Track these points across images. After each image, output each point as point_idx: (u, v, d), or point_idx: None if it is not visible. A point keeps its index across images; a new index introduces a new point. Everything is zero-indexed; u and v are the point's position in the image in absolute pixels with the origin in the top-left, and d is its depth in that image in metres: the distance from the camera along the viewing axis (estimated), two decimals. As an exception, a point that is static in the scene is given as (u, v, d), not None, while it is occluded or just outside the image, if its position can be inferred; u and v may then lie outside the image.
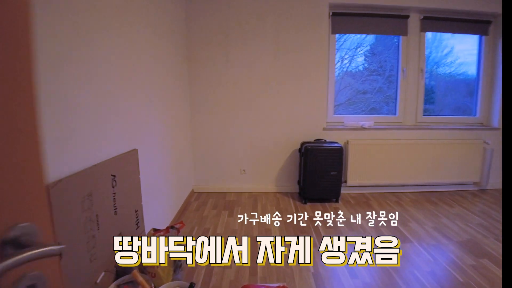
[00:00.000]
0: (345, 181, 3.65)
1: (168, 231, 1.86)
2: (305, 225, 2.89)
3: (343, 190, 3.67)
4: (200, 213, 3.19)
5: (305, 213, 3.16)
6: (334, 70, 3.71)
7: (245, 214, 3.13)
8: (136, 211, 2.04)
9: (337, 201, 3.46)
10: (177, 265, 1.76)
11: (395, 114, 3.91)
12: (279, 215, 3.08)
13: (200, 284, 2.05)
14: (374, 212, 3.15)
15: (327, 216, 3.06)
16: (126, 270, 1.89)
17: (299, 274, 2.12)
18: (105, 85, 1.74)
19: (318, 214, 3.11)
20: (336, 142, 3.44)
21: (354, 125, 3.67)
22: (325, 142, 3.45)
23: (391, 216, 2.96)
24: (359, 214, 3.07)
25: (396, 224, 2.86)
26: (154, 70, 2.59)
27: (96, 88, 1.64)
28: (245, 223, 2.94)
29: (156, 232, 1.80)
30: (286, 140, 3.71)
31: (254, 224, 2.91)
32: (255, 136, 3.69)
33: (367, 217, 3.02)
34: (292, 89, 3.61)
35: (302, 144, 3.49)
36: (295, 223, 2.92)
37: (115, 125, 1.85)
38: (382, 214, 3.00)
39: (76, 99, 1.46)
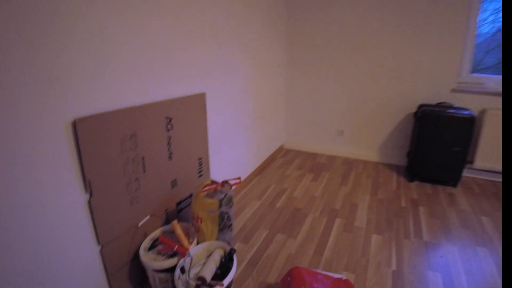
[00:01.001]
0: (471, 162, 2.74)
1: (223, 185, 1.67)
2: (404, 206, 2.30)
3: (466, 173, 2.79)
4: (283, 171, 2.94)
5: (409, 193, 2.53)
6: (475, 21, 2.61)
7: (332, 182, 2.72)
8: (199, 159, 1.91)
9: (454, 185, 2.65)
10: (225, 225, 1.57)
11: None
12: (374, 190, 2.56)
13: (255, 249, 1.84)
14: None
15: (437, 202, 2.38)
16: (179, 217, 1.83)
17: (375, 269, 1.68)
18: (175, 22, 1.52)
19: (425, 197, 2.45)
20: (466, 109, 2.53)
21: (498, 89, 2.62)
22: (452, 107, 2.58)
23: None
24: (482, 208, 2.27)
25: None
26: (246, 15, 2.28)
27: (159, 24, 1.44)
28: (328, 191, 2.54)
29: (209, 184, 1.63)
30: (399, 100, 2.96)
31: (339, 195, 2.49)
32: (360, 93, 3.07)
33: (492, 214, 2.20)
34: (411, 37, 2.75)
35: (420, 107, 2.71)
36: (391, 203, 2.37)
37: (177, 65, 1.67)
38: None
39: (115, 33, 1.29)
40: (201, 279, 1.29)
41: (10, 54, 0.94)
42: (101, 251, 1.37)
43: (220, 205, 1.51)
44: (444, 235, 1.95)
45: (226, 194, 1.54)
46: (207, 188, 1.61)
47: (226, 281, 1.29)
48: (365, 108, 3.10)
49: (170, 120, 1.63)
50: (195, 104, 1.83)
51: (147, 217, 1.59)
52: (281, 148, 3.53)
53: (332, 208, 2.27)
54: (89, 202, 1.28)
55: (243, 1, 2.28)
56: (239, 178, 1.68)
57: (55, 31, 1.06)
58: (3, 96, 0.94)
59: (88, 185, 1.25)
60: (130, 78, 1.39)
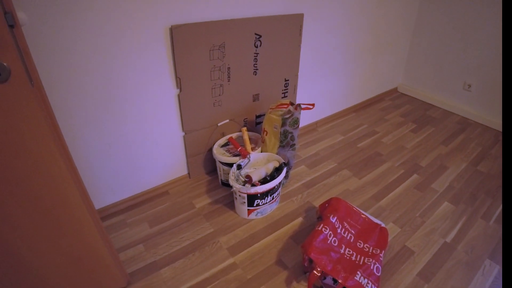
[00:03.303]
0: None
1: (296, 108, 1.77)
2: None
3: None
4: (383, 115, 2.75)
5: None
6: None
7: (433, 138, 2.42)
8: (286, 80, 2.01)
9: None
10: (287, 143, 1.72)
11: None
12: (476, 160, 2.19)
13: (316, 175, 1.95)
14: None
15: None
16: (256, 128, 2.04)
17: (427, 232, 1.58)
18: None
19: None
20: None
21: None
22: None
23: None
24: None
25: None
26: None
27: None
28: (421, 146, 2.31)
29: (283, 103, 1.75)
30: None
31: (432, 153, 2.25)
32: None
33: None
34: None
35: None
36: (489, 179, 2.01)
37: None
38: None
39: None
40: (248, 177, 1.52)
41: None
42: (183, 137, 1.73)
43: (284, 124, 1.63)
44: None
45: (292, 115, 1.64)
46: (280, 106, 1.73)
47: (266, 186, 1.49)
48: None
49: (260, 37, 1.74)
50: (290, 24, 1.85)
51: (227, 120, 1.86)
52: (394, 90, 3.22)
53: (416, 163, 2.10)
54: (178, 96, 1.59)
55: None
56: (312, 104, 1.72)
57: None
58: (118, 3, 1.22)
59: (178, 82, 1.55)
60: (225, -9, 1.51)
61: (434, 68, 2.88)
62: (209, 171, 1.95)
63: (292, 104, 1.81)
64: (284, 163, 1.62)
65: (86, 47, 1.22)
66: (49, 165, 0.84)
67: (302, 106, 1.74)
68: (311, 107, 1.72)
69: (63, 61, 1.19)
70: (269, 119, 1.66)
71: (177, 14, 1.40)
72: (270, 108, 1.71)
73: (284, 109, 1.70)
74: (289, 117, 1.63)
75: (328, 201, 1.51)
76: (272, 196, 1.58)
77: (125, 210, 1.68)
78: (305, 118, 2.38)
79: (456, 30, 2.63)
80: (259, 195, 1.51)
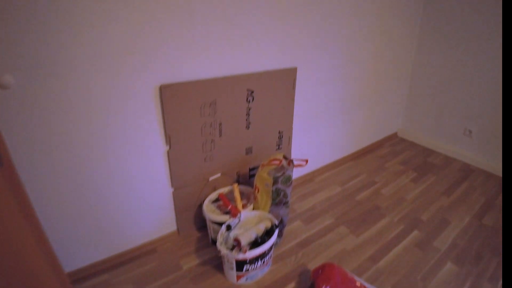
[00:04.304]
0: None
1: (289, 163, 1.72)
2: None
3: None
4: (382, 163, 2.70)
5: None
6: None
7: (434, 188, 2.35)
8: (280, 132, 1.99)
9: None
10: (280, 200, 1.65)
11: None
12: (481, 212, 2.09)
13: (311, 232, 1.87)
14: None
15: None
16: (250, 181, 1.99)
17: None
18: None
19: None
20: None
21: None
22: None
23: None
24: None
25: None
26: None
27: None
28: (422, 198, 2.23)
29: (276, 159, 1.71)
30: None
31: (433, 205, 2.16)
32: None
33: None
34: None
35: None
36: (495, 235, 1.90)
37: (268, 38, 1.71)
38: None
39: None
40: (237, 241, 1.44)
41: (113, 31, 1.21)
42: (172, 193, 1.68)
43: (276, 182, 1.58)
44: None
45: (284, 173, 1.59)
46: (272, 161, 1.69)
47: (255, 252, 1.41)
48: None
49: (252, 92, 1.74)
50: (283, 79, 1.86)
51: (218, 174, 1.82)
52: (394, 136, 3.19)
53: (416, 218, 2.01)
54: (168, 152, 1.56)
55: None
56: (306, 160, 1.68)
57: (149, 7, 1.27)
58: (108, 64, 1.23)
59: (168, 139, 1.53)
60: (216, 51, 1.53)
61: (434, 113, 2.87)
62: (200, 227, 1.87)
63: (285, 158, 1.77)
64: (275, 224, 1.55)
65: (72, 106, 1.21)
66: (17, 244, 0.79)
67: (295, 162, 1.69)
68: (304, 164, 1.68)
69: (45, 115, 1.18)
70: (260, 177, 1.61)
71: (167, 73, 1.41)
72: (262, 165, 1.66)
73: (277, 165, 1.66)
74: (281, 175, 1.58)
75: (322, 267, 1.42)
76: (263, 260, 1.49)
77: (111, 268, 1.60)
78: (302, 168, 2.33)
79: (455, 75, 2.64)
80: (248, 260, 1.42)
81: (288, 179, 1.61)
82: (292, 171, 1.62)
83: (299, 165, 1.65)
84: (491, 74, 2.40)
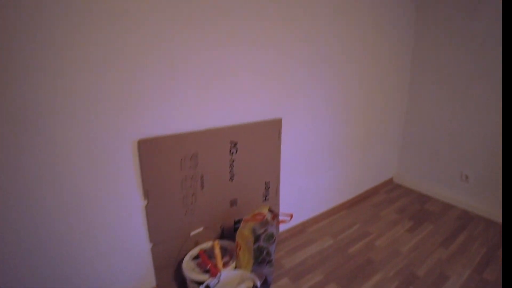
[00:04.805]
0: None
1: (273, 218, 1.66)
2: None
3: None
4: (377, 211, 2.61)
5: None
6: None
7: (432, 239, 2.24)
8: (266, 183, 1.94)
9: None
10: (263, 259, 1.57)
11: None
12: (482, 265, 1.97)
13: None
14: None
15: None
16: (231, 233, 1.91)
17: None
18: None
19: None
20: None
21: None
22: None
23: None
24: None
25: None
26: (349, 19, 2.12)
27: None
28: (419, 250, 2.11)
29: (258, 214, 1.65)
30: None
31: (430, 258, 2.04)
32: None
33: None
34: None
35: None
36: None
37: (250, 90, 1.73)
38: None
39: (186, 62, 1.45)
40: (214, 306, 1.34)
41: (92, 86, 1.22)
42: (151, 249, 1.60)
43: (257, 239, 1.51)
44: None
45: (267, 230, 1.53)
46: (256, 216, 1.63)
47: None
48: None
49: (235, 144, 1.72)
50: (268, 129, 1.85)
51: (200, 229, 1.75)
52: (389, 181, 3.12)
53: (412, 273, 1.89)
54: (146, 207, 1.51)
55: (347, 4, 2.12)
56: (290, 215, 1.62)
57: (129, 62, 1.30)
58: (84, 119, 1.23)
59: (146, 194, 1.49)
60: (197, 104, 1.54)
61: (429, 157, 2.82)
62: (181, 284, 1.76)
63: (271, 211, 1.71)
64: (256, 286, 1.45)
65: (50, 161, 1.19)
66: None
67: (280, 218, 1.63)
68: (287, 219, 1.62)
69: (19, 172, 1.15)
70: (241, 234, 1.54)
71: (146, 127, 1.40)
72: (244, 220, 1.60)
73: (260, 220, 1.59)
74: (263, 232, 1.51)
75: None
76: (242, 327, 1.37)
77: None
78: (293, 218, 2.24)
79: (448, 118, 2.63)
80: (225, 328, 1.31)
81: (271, 236, 1.54)
82: (276, 227, 1.56)
83: (283, 221, 1.59)
84: (484, 118, 2.39)
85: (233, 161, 1.74)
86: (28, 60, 1.07)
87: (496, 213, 2.45)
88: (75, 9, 1.13)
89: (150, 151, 1.42)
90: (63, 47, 1.13)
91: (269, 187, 1.98)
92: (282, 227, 2.16)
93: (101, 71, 1.22)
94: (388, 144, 2.89)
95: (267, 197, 2.00)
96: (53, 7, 1.08)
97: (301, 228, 2.33)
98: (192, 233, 1.71)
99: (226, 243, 1.78)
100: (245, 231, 1.51)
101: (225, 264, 1.60)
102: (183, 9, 1.37)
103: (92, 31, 1.18)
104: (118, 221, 1.45)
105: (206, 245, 1.75)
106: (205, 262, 1.56)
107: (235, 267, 1.61)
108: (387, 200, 2.78)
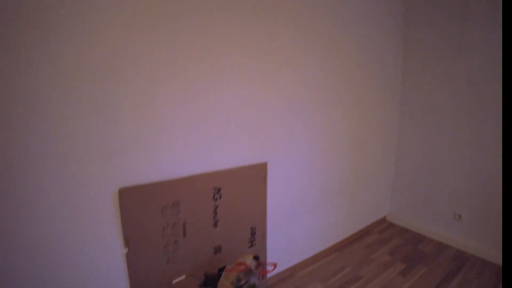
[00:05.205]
0: None
1: (256, 267, 1.63)
2: None
3: None
4: (369, 253, 2.55)
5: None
6: None
7: (426, 282, 2.17)
8: (252, 228, 1.92)
9: None
10: (246, 309, 1.51)
11: None
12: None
13: None
14: None
15: None
16: (215, 281, 1.86)
17: None
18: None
19: None
20: None
21: None
22: None
23: None
24: None
25: None
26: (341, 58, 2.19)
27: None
28: (411, 297, 2.04)
29: (241, 263, 1.62)
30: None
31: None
32: (495, 169, 2.34)
33: None
34: None
35: None
36: None
37: (233, 135, 1.76)
38: None
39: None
40: None
41: (70, 135, 1.25)
42: (132, 300, 1.55)
43: (238, 291, 1.47)
44: None
45: (248, 280, 1.49)
46: (238, 266, 1.60)
47: None
48: (496, 192, 2.33)
49: (219, 190, 1.72)
50: (253, 174, 1.86)
51: (183, 277, 1.70)
52: (383, 220, 3.08)
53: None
54: (126, 255, 1.49)
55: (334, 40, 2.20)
56: (274, 264, 1.59)
57: (110, 112, 1.33)
58: (61, 168, 1.25)
59: (126, 241, 1.47)
60: (179, 151, 1.57)
61: (422, 196, 2.81)
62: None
63: (256, 258, 1.68)
64: None
65: (27, 212, 1.19)
66: None
67: (268, 268, 1.60)
68: (271, 269, 1.58)
69: None
70: (222, 285, 1.51)
71: (127, 175, 1.42)
72: (226, 270, 1.57)
73: (242, 270, 1.56)
74: (245, 283, 1.47)
75: None
76: None
77: None
78: (282, 263, 2.19)
79: (439, 157, 2.64)
80: None
81: (253, 287, 1.50)
82: (256, 278, 1.52)
83: (265, 272, 1.55)
84: (476, 157, 2.41)
85: (217, 207, 1.74)
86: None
87: (491, 253, 2.39)
88: (63, 70, 1.18)
89: (131, 199, 1.43)
90: (43, 103, 1.17)
91: (255, 233, 1.96)
92: (271, 273, 2.10)
93: (84, 122, 1.26)
94: (380, 183, 2.89)
95: (253, 243, 1.97)
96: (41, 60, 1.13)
97: (291, 273, 2.26)
98: (174, 281, 1.67)
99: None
100: (226, 282, 1.48)
101: (206, 317, 1.54)
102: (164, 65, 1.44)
103: (73, 87, 1.22)
104: (97, 270, 1.42)
105: (189, 294, 1.70)
106: (185, 315, 1.51)
107: (218, 320, 1.55)
108: (380, 241, 2.73)
